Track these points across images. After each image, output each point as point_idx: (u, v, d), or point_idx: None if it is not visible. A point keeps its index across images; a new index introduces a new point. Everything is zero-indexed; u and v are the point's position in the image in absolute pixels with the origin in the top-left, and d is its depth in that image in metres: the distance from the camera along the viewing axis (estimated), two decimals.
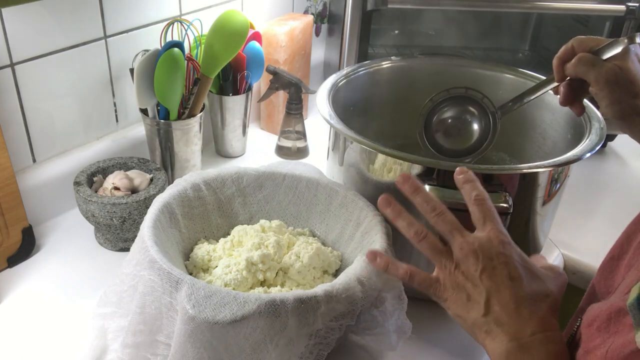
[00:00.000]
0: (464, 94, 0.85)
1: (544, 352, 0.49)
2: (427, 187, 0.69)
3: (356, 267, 0.64)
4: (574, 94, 0.70)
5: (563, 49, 0.68)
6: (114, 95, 1.00)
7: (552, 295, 0.53)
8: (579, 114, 0.75)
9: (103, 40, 0.94)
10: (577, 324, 0.53)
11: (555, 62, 0.69)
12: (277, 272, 0.72)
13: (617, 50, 0.64)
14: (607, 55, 0.64)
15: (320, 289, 0.60)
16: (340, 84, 0.88)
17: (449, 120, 0.86)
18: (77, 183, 0.86)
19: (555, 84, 0.71)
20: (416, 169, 0.71)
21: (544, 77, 0.82)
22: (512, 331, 0.50)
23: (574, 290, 0.84)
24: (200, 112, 0.99)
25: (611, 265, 0.55)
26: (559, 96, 0.73)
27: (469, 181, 0.57)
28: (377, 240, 0.69)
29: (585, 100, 0.77)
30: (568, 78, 0.69)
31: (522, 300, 0.51)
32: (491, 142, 0.84)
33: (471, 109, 0.85)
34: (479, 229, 0.55)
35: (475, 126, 0.85)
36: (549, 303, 0.52)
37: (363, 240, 0.73)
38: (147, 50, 0.94)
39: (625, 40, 0.63)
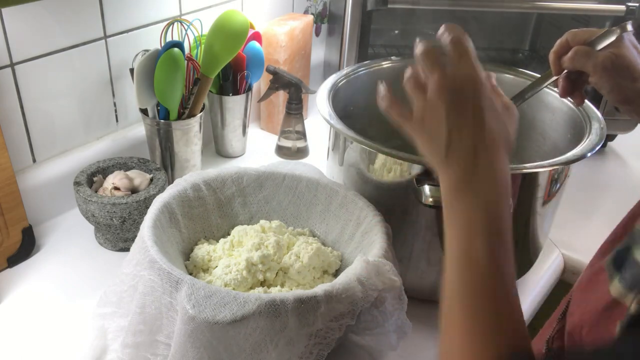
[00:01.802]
0: None
1: (492, 175, 0.49)
2: (427, 187, 0.69)
3: (356, 267, 0.64)
4: (573, 85, 0.72)
5: (558, 43, 0.69)
6: (114, 95, 1.00)
7: (509, 137, 0.53)
8: (579, 104, 0.77)
9: (103, 40, 0.94)
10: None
11: (551, 56, 0.70)
12: (277, 272, 0.72)
13: (611, 39, 0.65)
14: (601, 45, 0.66)
15: (320, 289, 0.60)
16: (340, 84, 0.88)
17: None
18: (77, 183, 0.86)
19: (554, 77, 0.72)
20: (416, 169, 0.71)
21: None
22: (463, 164, 0.50)
23: None
24: (200, 112, 0.99)
25: (611, 248, 0.55)
26: (557, 89, 0.74)
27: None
28: (377, 240, 0.69)
29: (586, 101, 0.78)
30: (565, 71, 0.71)
31: (481, 140, 0.50)
32: None
33: None
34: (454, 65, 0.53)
35: None
36: (505, 145, 0.52)
37: (363, 240, 0.73)
38: (147, 50, 0.94)
39: (618, 30, 0.65)
